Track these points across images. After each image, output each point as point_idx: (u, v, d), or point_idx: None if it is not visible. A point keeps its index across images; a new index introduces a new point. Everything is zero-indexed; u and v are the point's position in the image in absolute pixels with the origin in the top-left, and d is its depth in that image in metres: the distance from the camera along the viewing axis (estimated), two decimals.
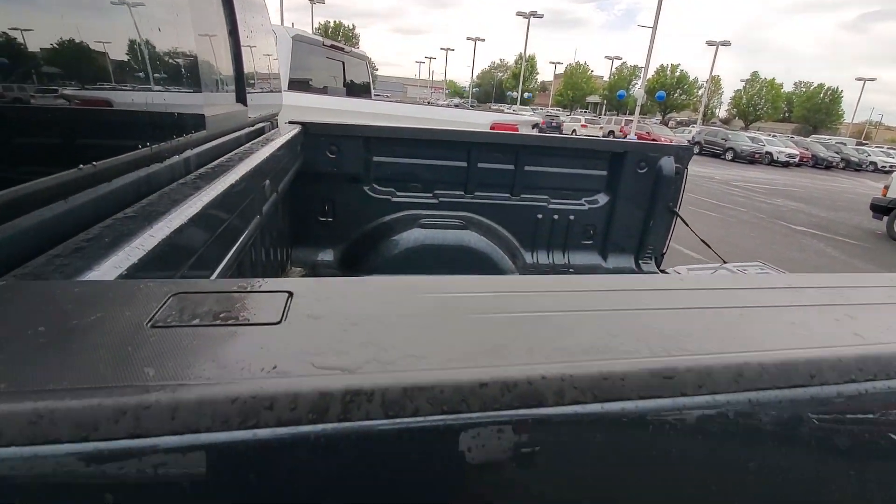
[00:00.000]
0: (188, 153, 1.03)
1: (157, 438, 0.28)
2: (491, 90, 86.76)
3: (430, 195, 2.62)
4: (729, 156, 26.22)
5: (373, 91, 7.25)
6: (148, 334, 0.36)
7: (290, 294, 0.43)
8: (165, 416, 0.29)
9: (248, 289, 0.45)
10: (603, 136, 32.36)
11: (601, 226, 2.83)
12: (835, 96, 58.99)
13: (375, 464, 0.31)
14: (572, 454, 0.35)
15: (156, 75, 0.89)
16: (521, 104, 48.79)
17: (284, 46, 5.05)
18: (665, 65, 56.97)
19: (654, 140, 28.73)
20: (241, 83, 1.46)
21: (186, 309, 0.39)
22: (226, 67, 1.34)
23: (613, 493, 0.37)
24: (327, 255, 2.57)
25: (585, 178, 2.76)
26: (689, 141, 29.55)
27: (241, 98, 1.47)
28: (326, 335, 0.37)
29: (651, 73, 55.79)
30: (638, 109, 30.78)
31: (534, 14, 45.86)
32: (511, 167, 2.66)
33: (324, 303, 0.43)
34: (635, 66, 60.17)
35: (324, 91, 5.73)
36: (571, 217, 2.78)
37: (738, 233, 8.39)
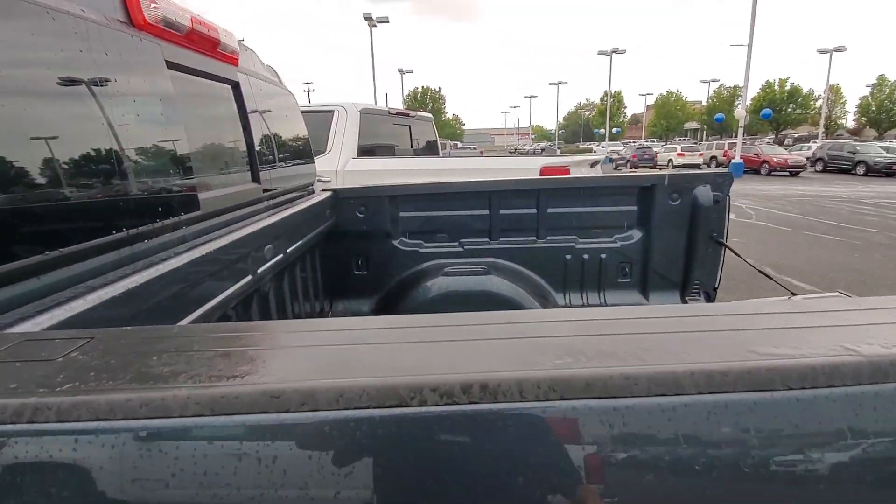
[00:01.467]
0: (184, 230, 1.27)
1: None
2: (579, 130, 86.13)
3: (457, 244, 2.73)
4: (860, 170, 22.94)
5: (441, 147, 7.69)
6: None
7: (91, 339, 0.57)
8: None
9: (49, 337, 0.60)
10: (704, 163, 30.32)
11: (638, 262, 2.70)
12: None
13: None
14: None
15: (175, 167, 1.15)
16: (609, 140, 47.68)
17: (353, 120, 5.68)
18: (772, 80, 52.45)
19: (763, 161, 26.08)
20: (255, 165, 1.74)
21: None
22: (235, 155, 1.63)
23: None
24: (364, 306, 2.76)
25: (613, 215, 2.69)
26: (808, 158, 26.46)
27: (256, 177, 1.75)
28: (73, 366, 0.50)
29: (756, 90, 51.66)
30: (741, 131, 28.46)
31: (615, 51, 45.47)
32: (533, 211, 2.69)
33: (102, 345, 0.56)
34: (735, 87, 56.16)
35: (391, 153, 6.24)
36: (603, 255, 2.70)
37: (863, 257, 7.26)
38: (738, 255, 2.68)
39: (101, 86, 0.98)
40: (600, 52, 46.21)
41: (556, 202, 2.68)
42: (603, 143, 47.97)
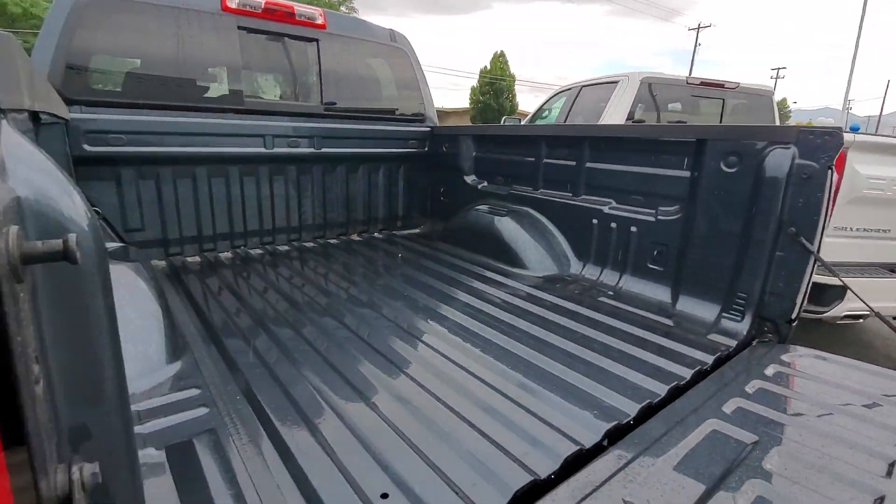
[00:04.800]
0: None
1: None
2: None
3: (508, 188, 2.84)
4: None
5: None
6: None
7: None
8: None
9: None
10: None
11: (674, 248, 2.06)
12: None
13: None
14: None
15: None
16: None
17: (631, 89, 5.49)
18: None
19: None
20: (322, 92, 2.73)
21: None
22: (305, 84, 2.68)
23: None
24: (440, 227, 3.32)
25: (659, 180, 2.11)
26: None
27: (321, 99, 2.75)
28: None
29: None
30: None
31: None
32: (572, 163, 2.46)
33: None
34: None
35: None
36: (633, 229, 2.20)
37: None
38: (831, 270, 1.63)
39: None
40: None
41: (598, 156, 2.37)
42: None
